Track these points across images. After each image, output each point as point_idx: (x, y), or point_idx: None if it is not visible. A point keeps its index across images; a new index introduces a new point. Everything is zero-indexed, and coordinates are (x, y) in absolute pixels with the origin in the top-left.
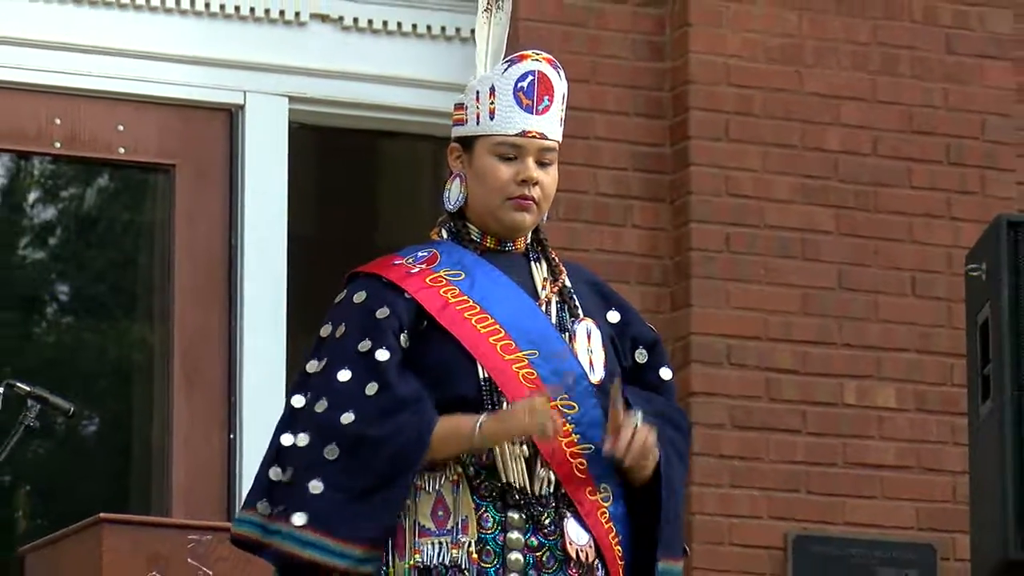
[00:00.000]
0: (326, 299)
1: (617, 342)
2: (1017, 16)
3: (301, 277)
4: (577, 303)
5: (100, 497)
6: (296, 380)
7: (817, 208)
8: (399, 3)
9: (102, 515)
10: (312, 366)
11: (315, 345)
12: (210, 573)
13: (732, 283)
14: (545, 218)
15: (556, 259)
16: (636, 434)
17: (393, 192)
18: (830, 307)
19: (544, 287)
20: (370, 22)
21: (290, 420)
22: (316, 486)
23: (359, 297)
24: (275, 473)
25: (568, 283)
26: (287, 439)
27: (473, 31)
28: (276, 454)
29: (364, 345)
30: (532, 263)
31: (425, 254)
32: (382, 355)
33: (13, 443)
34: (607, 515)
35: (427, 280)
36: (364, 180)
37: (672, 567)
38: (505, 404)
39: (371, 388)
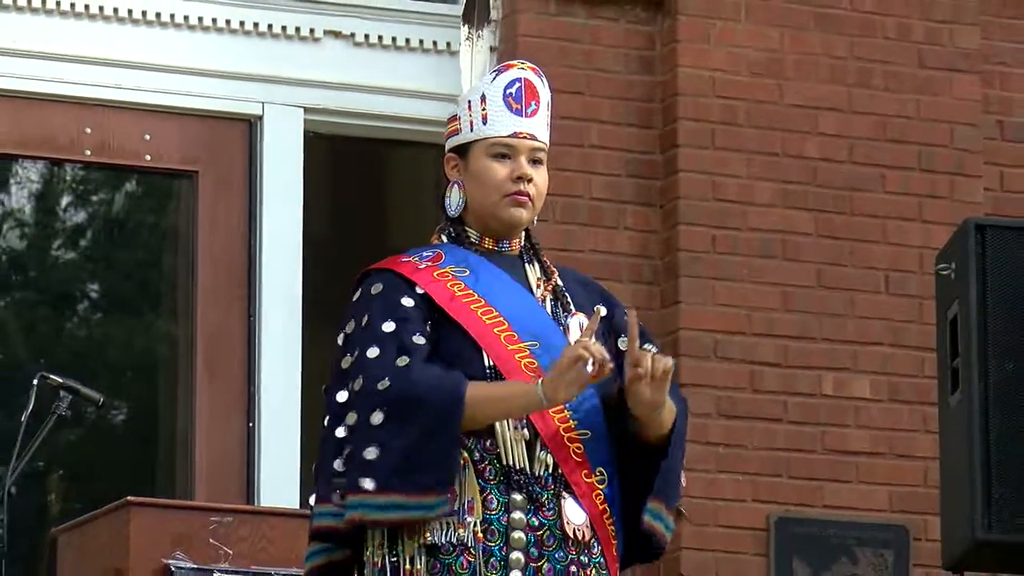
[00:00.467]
0: (339, 296)
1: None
2: (984, 33)
3: (315, 275)
4: (569, 299)
5: (127, 481)
6: (336, 378)
7: (797, 211)
8: (407, 20)
9: (129, 498)
10: (346, 361)
11: (343, 344)
12: (230, 552)
13: (718, 282)
14: (536, 220)
15: (547, 261)
16: (655, 359)
17: (401, 196)
18: (809, 304)
19: (539, 286)
20: (380, 38)
21: (340, 413)
22: (371, 452)
23: (376, 288)
24: (339, 464)
25: (560, 282)
26: (341, 432)
27: None
28: (337, 447)
29: (388, 326)
30: (526, 265)
31: (430, 254)
32: (419, 340)
33: (46, 431)
34: (602, 496)
35: (435, 275)
36: (374, 185)
37: (662, 512)
38: None
39: (402, 360)
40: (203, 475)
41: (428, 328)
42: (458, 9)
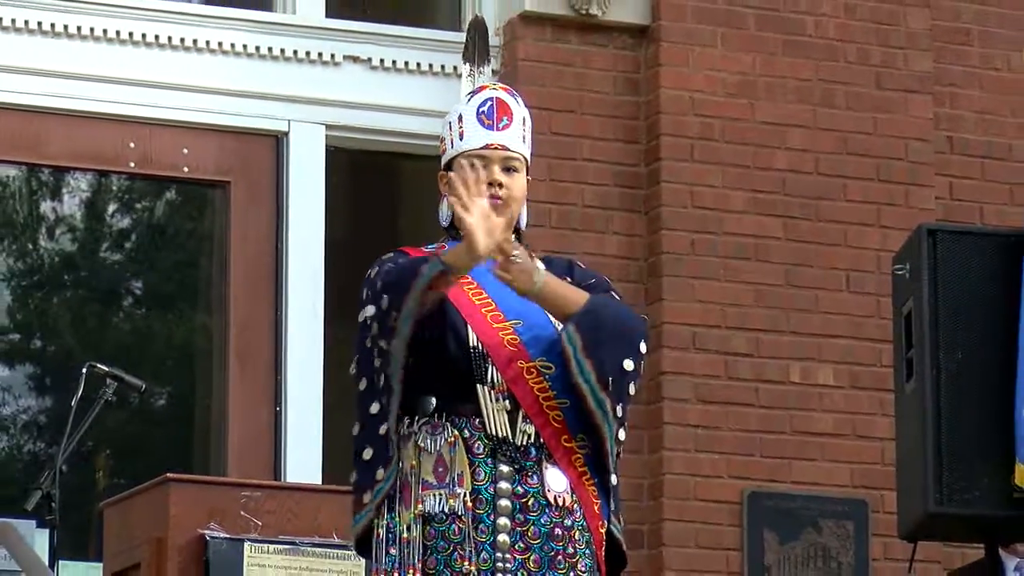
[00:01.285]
0: (357, 293)
1: None
2: (936, 58)
3: (336, 275)
4: None
5: (167, 460)
6: (370, 331)
7: (767, 218)
8: (418, 47)
9: (169, 475)
10: (370, 310)
11: (364, 294)
12: (259, 524)
13: (697, 280)
14: (525, 223)
15: (532, 255)
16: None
17: (412, 204)
18: (779, 301)
19: None
20: (394, 62)
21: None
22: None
23: (388, 256)
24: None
25: (541, 267)
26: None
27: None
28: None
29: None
30: None
31: (433, 246)
32: None
33: (94, 415)
34: (581, 460)
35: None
36: (388, 194)
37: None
38: (490, 368)
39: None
40: (235, 454)
41: None
42: (464, 36)
